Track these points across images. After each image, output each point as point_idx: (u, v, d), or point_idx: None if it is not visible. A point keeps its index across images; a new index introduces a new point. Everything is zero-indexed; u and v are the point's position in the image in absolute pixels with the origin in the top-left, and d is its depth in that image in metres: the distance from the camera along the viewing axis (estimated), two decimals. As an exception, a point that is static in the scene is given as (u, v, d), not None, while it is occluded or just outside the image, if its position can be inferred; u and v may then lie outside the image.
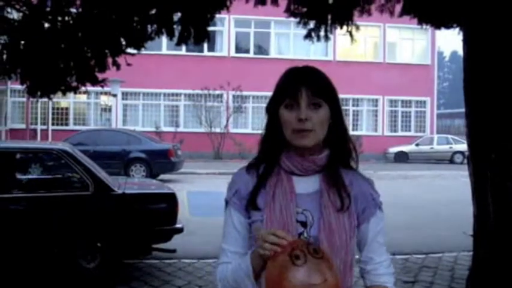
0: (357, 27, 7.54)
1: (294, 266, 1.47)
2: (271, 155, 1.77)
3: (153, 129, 26.71)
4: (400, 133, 31.07)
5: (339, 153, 1.76)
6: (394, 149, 28.56)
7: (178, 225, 6.63)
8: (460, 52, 6.30)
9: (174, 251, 6.68)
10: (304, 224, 1.70)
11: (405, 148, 28.56)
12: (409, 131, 31.45)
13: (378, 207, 1.80)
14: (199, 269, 6.70)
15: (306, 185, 1.74)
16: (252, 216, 1.74)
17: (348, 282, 1.72)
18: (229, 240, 1.78)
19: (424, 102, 31.72)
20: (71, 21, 6.87)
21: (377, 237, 1.78)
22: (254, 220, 1.73)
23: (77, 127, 26.22)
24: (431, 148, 28.85)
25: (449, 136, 30.63)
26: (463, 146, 22.50)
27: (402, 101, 31.30)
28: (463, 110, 6.06)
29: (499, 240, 5.49)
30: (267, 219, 1.69)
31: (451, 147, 28.71)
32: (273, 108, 1.76)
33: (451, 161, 28.13)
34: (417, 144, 28.81)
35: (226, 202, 1.81)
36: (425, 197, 14.67)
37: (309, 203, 1.72)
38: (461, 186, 10.33)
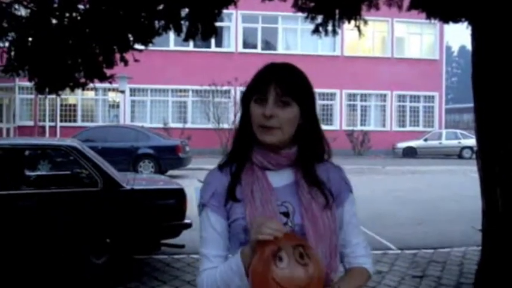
0: (365, 22, 7.51)
1: (275, 266, 1.48)
2: (243, 151, 1.77)
3: (161, 125, 26.73)
4: (408, 128, 30.99)
5: (310, 148, 1.76)
6: (402, 144, 28.48)
7: (186, 221, 6.64)
8: (469, 47, 6.27)
9: (182, 246, 6.70)
10: (286, 214, 1.70)
11: (413, 143, 28.48)
12: (418, 126, 31.37)
13: (350, 191, 1.84)
14: (208, 265, 6.71)
15: (280, 178, 1.75)
16: (233, 214, 1.72)
17: (334, 266, 1.73)
18: (210, 244, 1.74)
19: (433, 97, 31.62)
20: (79, 18, 6.89)
21: (352, 220, 1.83)
22: (235, 218, 1.71)
23: (85, 124, 26.31)
24: (440, 143, 28.75)
25: (458, 131, 30.50)
26: (472, 141, 22.43)
27: (410, 96, 31.21)
28: (471, 105, 6.04)
29: (507, 235, 5.48)
30: (249, 216, 1.67)
31: (459, 142, 28.60)
32: (245, 102, 1.77)
33: (460, 156, 28.03)
34: (426, 140, 28.72)
35: (203, 206, 1.78)
36: (433, 192, 14.63)
37: (287, 195, 1.73)
38: (470, 181, 10.30)
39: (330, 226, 1.71)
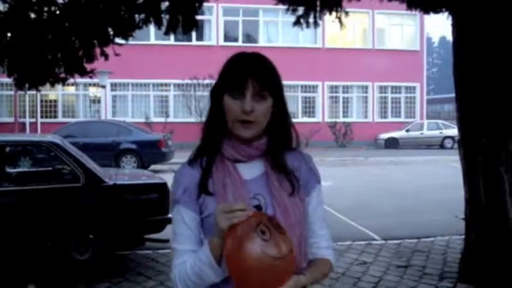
0: (346, 14, 7.52)
1: (259, 239, 1.48)
2: (213, 144, 1.76)
3: (143, 119, 26.63)
4: (390, 119, 31.16)
5: (279, 138, 1.77)
6: (384, 135, 28.64)
7: (170, 215, 6.60)
8: (449, 37, 6.31)
9: (167, 241, 6.66)
10: (258, 208, 1.69)
11: (395, 134, 28.65)
12: (399, 117, 31.55)
13: (317, 181, 1.84)
14: (193, 259, 6.70)
15: (251, 170, 1.75)
16: (206, 209, 1.71)
17: (304, 255, 1.74)
18: (182, 239, 1.72)
19: (414, 88, 31.81)
20: (58, 12, 6.82)
21: (318, 210, 1.82)
22: (209, 214, 1.69)
23: (66, 119, 26.08)
24: (422, 134, 28.95)
25: (439, 121, 30.73)
26: (453, 131, 22.64)
27: (392, 87, 31.37)
28: (452, 95, 6.08)
29: (490, 223, 5.53)
30: None
31: (441, 133, 28.83)
32: (216, 94, 1.74)
33: (442, 146, 28.28)
34: (407, 130, 28.90)
35: (175, 202, 1.76)
36: (416, 182, 14.74)
37: (259, 187, 1.73)
38: (452, 171, 10.40)
39: (299, 215, 1.71)
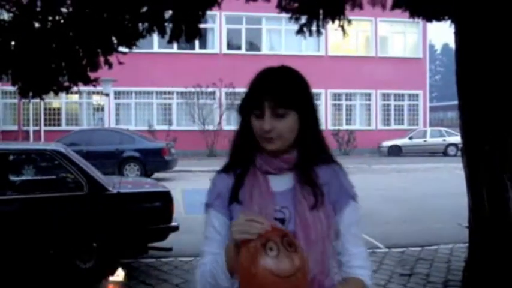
0: (349, 22, 7.54)
1: (267, 256, 1.50)
2: (246, 156, 1.80)
3: (146, 128, 26.65)
4: (393, 127, 31.15)
5: (310, 152, 1.76)
6: (387, 143, 28.60)
7: (173, 224, 6.61)
8: (452, 45, 6.32)
9: (170, 249, 6.67)
10: (282, 221, 1.71)
11: (399, 142, 28.62)
12: (402, 124, 31.54)
13: (351, 198, 1.80)
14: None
15: (281, 183, 1.77)
16: (234, 215, 1.74)
17: (327, 272, 1.73)
18: (210, 242, 1.78)
19: (417, 95, 31.81)
20: (62, 21, 6.85)
21: (351, 228, 1.79)
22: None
23: (70, 127, 26.13)
24: (425, 141, 28.91)
25: (443, 129, 30.68)
26: (457, 139, 22.59)
27: (395, 95, 31.37)
28: (455, 102, 6.07)
29: (494, 231, 5.51)
30: None
31: (444, 140, 28.78)
32: (244, 112, 1.78)
33: (445, 153, 28.21)
34: (410, 138, 28.87)
35: (207, 206, 1.82)
36: (420, 189, 14.71)
37: (286, 200, 1.74)
38: (455, 179, 10.35)
39: (322, 231, 1.70)
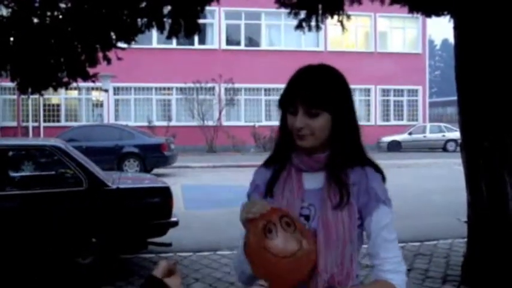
0: (348, 17, 7.54)
1: (266, 237, 1.58)
2: (283, 153, 1.85)
3: (146, 123, 26.65)
4: (392, 122, 31.17)
5: (341, 153, 1.77)
6: (387, 139, 28.61)
7: (173, 219, 6.62)
8: (451, 40, 6.31)
9: (169, 244, 6.68)
10: (307, 218, 1.75)
11: (398, 137, 28.63)
12: (402, 120, 31.56)
13: (382, 202, 1.77)
14: (196, 262, 6.70)
15: (314, 181, 1.79)
16: None
17: (348, 274, 1.73)
18: None
19: (416, 91, 31.81)
20: (60, 16, 6.84)
21: (382, 232, 1.76)
22: None
23: (69, 123, 26.13)
24: (424, 137, 28.93)
25: (442, 124, 30.71)
26: (456, 134, 22.57)
27: (394, 90, 31.38)
28: (455, 98, 6.07)
29: (493, 226, 5.52)
30: None
31: (443, 136, 28.81)
32: (282, 109, 1.82)
33: (444, 149, 28.25)
34: (410, 133, 28.89)
35: (247, 196, 1.91)
36: (419, 185, 14.72)
37: (314, 198, 1.77)
38: (454, 174, 10.38)
39: (343, 232, 1.72)
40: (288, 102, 1.75)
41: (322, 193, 1.76)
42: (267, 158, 1.93)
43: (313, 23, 7.49)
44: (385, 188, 1.82)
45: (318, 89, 1.72)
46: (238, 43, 29.93)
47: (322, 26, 7.71)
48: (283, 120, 1.81)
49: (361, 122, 1.90)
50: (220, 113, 27.77)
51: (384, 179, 1.84)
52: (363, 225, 1.77)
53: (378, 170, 1.83)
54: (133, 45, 7.51)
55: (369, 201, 1.76)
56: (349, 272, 1.73)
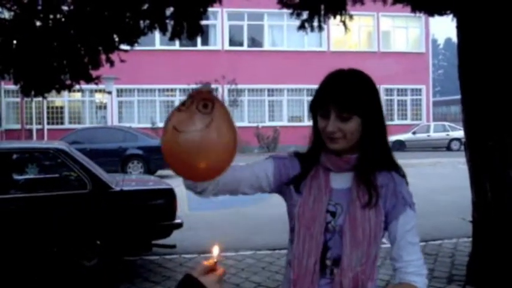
0: (350, 17, 7.52)
1: (177, 111, 1.55)
2: (314, 153, 1.88)
3: (149, 125, 26.64)
4: (396, 122, 31.09)
5: (370, 156, 1.81)
6: (390, 138, 27.92)
7: (177, 221, 6.61)
8: (454, 39, 6.29)
9: (174, 246, 6.68)
10: (333, 215, 1.79)
11: (402, 137, 28.54)
12: (406, 119, 31.49)
13: (409, 206, 1.82)
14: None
15: (340, 181, 1.84)
16: (291, 199, 1.87)
17: (370, 274, 1.77)
18: (251, 166, 1.90)
19: (420, 90, 31.75)
20: (63, 19, 6.85)
21: (406, 236, 1.80)
22: (291, 204, 1.86)
23: (73, 126, 26.16)
24: (428, 136, 28.87)
25: (446, 123, 30.62)
26: (460, 133, 22.54)
27: (398, 90, 31.32)
28: (458, 97, 6.06)
29: (497, 226, 5.50)
30: (300, 206, 1.81)
31: (447, 135, 28.75)
32: (314, 112, 1.85)
33: (448, 148, 28.19)
34: (414, 133, 28.82)
35: (270, 157, 1.95)
36: (423, 184, 14.67)
37: (342, 197, 1.81)
38: (459, 173, 10.34)
39: (369, 234, 1.76)
40: (319, 106, 1.78)
41: (350, 193, 1.80)
42: (302, 152, 1.95)
43: (315, 24, 7.48)
44: (410, 192, 1.87)
45: (350, 93, 1.75)
46: (241, 44, 29.92)
47: (325, 26, 7.70)
48: (315, 122, 1.85)
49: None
50: (223, 114, 27.71)
51: (407, 183, 1.89)
52: (386, 228, 1.82)
53: (402, 174, 1.88)
54: (136, 47, 7.51)
55: (396, 204, 1.81)
56: (372, 273, 1.78)
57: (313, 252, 1.76)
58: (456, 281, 5.90)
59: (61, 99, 27.22)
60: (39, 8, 6.72)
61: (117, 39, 7.09)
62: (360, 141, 1.78)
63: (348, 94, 1.74)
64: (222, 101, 1.65)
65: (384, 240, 1.84)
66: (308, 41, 28.35)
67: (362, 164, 1.80)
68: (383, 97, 30.84)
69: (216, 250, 1.47)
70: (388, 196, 1.80)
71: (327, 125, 1.74)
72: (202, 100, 1.55)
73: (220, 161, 1.60)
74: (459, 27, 5.84)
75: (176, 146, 1.57)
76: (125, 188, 6.62)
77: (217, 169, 1.61)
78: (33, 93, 7.57)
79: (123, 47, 7.31)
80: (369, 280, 1.76)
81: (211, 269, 1.43)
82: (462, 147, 8.38)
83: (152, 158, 17.28)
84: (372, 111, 1.79)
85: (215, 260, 1.45)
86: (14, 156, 7.31)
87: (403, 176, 1.87)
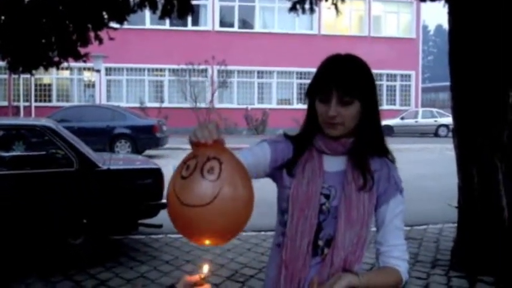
0: (342, 0, 7.50)
1: (180, 174, 1.40)
2: (308, 136, 1.87)
3: (138, 104, 26.54)
4: (385, 107, 31.15)
5: (365, 140, 1.82)
6: (379, 123, 28.56)
7: (164, 201, 6.60)
8: (445, 26, 6.29)
9: (160, 226, 6.67)
10: (327, 197, 1.79)
11: (390, 122, 28.61)
12: (394, 104, 31.57)
13: (399, 191, 1.86)
14: (186, 244, 6.70)
15: (334, 164, 1.84)
16: (284, 181, 1.85)
17: (358, 256, 1.79)
18: (246, 150, 1.86)
19: (409, 76, 31.81)
20: (52, -5, 6.77)
21: (394, 220, 1.84)
22: (284, 185, 1.84)
23: (60, 103, 26.00)
24: (416, 122, 29.00)
25: (434, 110, 30.76)
26: (448, 120, 22.64)
27: (387, 75, 31.34)
28: (447, 83, 6.07)
29: (483, 212, 5.55)
30: (294, 189, 1.81)
31: (435, 121, 28.88)
32: (311, 96, 1.84)
33: (436, 134, 28.34)
34: (402, 118, 28.92)
35: (263, 140, 1.92)
36: (410, 169, 14.74)
37: (335, 180, 1.82)
38: (446, 159, 10.40)
39: (363, 216, 1.78)
40: (320, 90, 1.77)
41: (344, 175, 1.81)
42: (294, 134, 1.93)
43: (307, 6, 7.46)
44: (400, 177, 1.89)
45: (353, 78, 1.76)
46: (231, 25, 29.76)
47: (316, 8, 7.67)
48: (311, 106, 1.84)
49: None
50: (212, 95, 27.69)
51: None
52: (375, 212, 1.83)
53: (392, 159, 1.89)
54: (126, 26, 7.46)
55: (388, 188, 1.83)
56: (360, 255, 1.80)
57: (306, 233, 1.76)
58: (440, 265, 5.95)
59: (49, 77, 27.00)
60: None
61: (106, 16, 7.03)
62: (357, 126, 1.79)
63: (350, 78, 1.75)
64: (231, 152, 1.49)
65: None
66: (299, 24, 28.25)
67: (357, 148, 1.81)
68: (372, 82, 30.96)
69: (206, 268, 1.44)
70: (381, 180, 1.82)
71: (328, 109, 1.73)
72: (207, 160, 1.38)
73: (231, 230, 1.46)
74: (451, 14, 5.83)
75: (181, 218, 1.42)
76: (112, 167, 6.59)
77: (228, 236, 1.47)
78: (20, 69, 7.51)
79: (113, 24, 7.25)
80: (356, 262, 1.78)
81: (196, 284, 1.39)
82: (450, 134, 8.44)
83: (140, 138, 17.25)
84: (370, 96, 1.81)
85: (202, 276, 1.41)
86: (1, 132, 7.24)
87: (393, 161, 1.89)
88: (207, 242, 1.43)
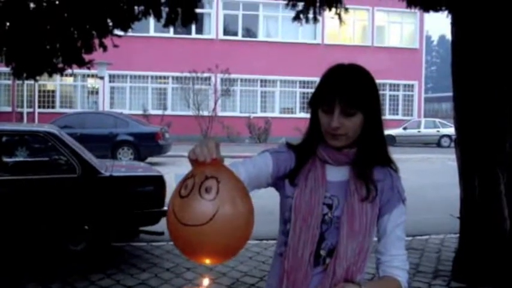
0: (346, 10, 7.52)
1: (179, 193, 1.41)
2: (310, 145, 1.86)
3: (141, 112, 26.55)
4: (387, 117, 31.11)
5: (368, 151, 1.81)
6: (382, 133, 28.51)
7: (166, 208, 6.59)
8: (448, 36, 6.30)
9: (161, 233, 6.67)
10: (330, 207, 1.78)
11: (393, 132, 28.55)
12: (397, 114, 31.55)
13: (402, 201, 1.85)
14: (187, 252, 6.69)
15: (337, 174, 1.83)
16: (286, 191, 1.84)
17: (360, 267, 1.78)
18: (248, 161, 1.84)
19: (412, 86, 31.81)
20: (57, 2, 6.80)
21: (396, 230, 1.83)
22: (287, 195, 1.83)
23: (64, 110, 26.03)
24: (419, 132, 28.95)
25: (437, 120, 30.71)
26: (450, 130, 22.62)
27: (390, 85, 31.35)
28: (450, 94, 6.08)
29: (485, 223, 5.54)
30: (296, 198, 1.79)
31: (438, 131, 28.83)
32: (314, 106, 1.83)
33: (438, 144, 28.28)
34: (405, 128, 28.87)
35: (265, 151, 1.89)
36: (412, 180, 14.70)
37: (338, 190, 1.80)
38: (448, 170, 10.38)
39: (366, 226, 1.77)
40: (323, 101, 1.76)
41: (347, 186, 1.79)
42: (297, 143, 1.92)
43: (310, 15, 7.48)
44: (403, 187, 1.88)
45: (356, 89, 1.75)
46: (235, 34, 29.82)
47: (320, 18, 7.69)
48: (314, 117, 1.83)
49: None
50: (215, 103, 27.70)
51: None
52: (377, 222, 1.83)
53: (396, 170, 1.89)
54: (130, 33, 7.47)
55: (391, 198, 1.82)
56: (362, 265, 1.79)
57: (308, 243, 1.75)
58: (442, 276, 5.93)
59: (53, 83, 27.06)
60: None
61: (111, 23, 7.06)
62: (360, 137, 1.78)
63: (354, 90, 1.73)
64: (229, 170, 1.50)
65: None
66: (302, 33, 28.28)
67: (360, 159, 1.80)
68: (375, 92, 30.97)
69: (206, 282, 1.44)
70: (385, 190, 1.81)
71: (331, 120, 1.72)
72: (205, 179, 1.38)
73: (231, 249, 1.45)
74: (454, 24, 5.85)
75: (181, 238, 1.41)
76: (114, 174, 6.61)
77: (228, 254, 1.47)
78: (25, 75, 7.53)
79: (117, 32, 7.28)
80: (358, 272, 1.77)
81: None
82: (452, 144, 8.45)
83: (143, 145, 17.27)
84: (373, 107, 1.80)
85: None
86: (4, 138, 7.26)
87: (396, 170, 1.88)
88: (207, 261, 1.43)
